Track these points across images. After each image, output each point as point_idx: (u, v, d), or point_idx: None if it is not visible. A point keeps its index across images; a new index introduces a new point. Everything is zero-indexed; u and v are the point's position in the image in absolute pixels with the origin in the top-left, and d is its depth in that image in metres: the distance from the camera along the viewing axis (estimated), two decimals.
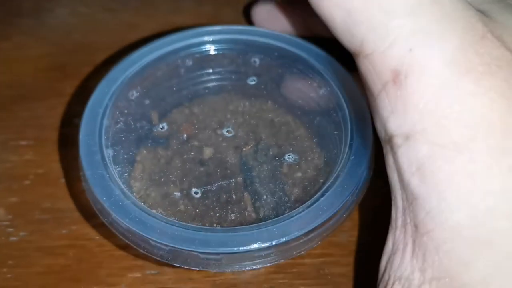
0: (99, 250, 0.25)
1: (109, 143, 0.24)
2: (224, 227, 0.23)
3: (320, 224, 0.20)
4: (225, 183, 0.24)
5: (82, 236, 0.25)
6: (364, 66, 0.19)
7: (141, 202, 0.22)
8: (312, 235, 0.20)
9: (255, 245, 0.20)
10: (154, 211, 0.21)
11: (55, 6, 0.37)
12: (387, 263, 0.20)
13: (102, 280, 0.24)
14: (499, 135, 0.17)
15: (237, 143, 0.26)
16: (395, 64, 0.18)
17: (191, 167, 0.25)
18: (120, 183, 0.22)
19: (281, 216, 0.21)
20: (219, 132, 0.26)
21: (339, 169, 0.22)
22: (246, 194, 0.24)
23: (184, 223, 0.21)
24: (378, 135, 0.20)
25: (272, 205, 0.24)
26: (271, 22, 0.29)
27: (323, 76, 0.26)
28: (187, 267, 0.20)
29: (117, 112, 0.25)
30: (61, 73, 0.33)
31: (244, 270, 0.22)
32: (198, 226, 0.21)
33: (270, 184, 0.24)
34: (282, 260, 0.21)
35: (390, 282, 0.19)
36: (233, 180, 0.25)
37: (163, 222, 0.20)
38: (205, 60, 0.28)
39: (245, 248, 0.20)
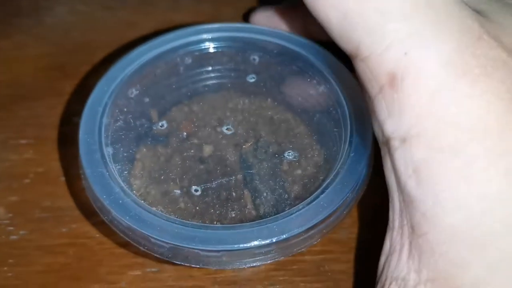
0: (99, 248, 0.25)
1: (109, 141, 0.24)
2: (224, 224, 0.23)
3: (320, 221, 0.20)
4: (225, 181, 0.24)
5: (82, 234, 0.25)
6: (361, 68, 0.19)
7: (141, 200, 0.22)
8: (312, 232, 0.20)
9: (256, 242, 0.20)
10: (154, 208, 0.21)
11: (54, 4, 0.37)
12: (384, 263, 0.20)
13: (102, 278, 0.24)
14: (495, 137, 0.17)
15: (237, 140, 0.26)
16: (392, 67, 0.17)
17: (191, 164, 0.25)
18: (120, 181, 0.22)
19: (281, 213, 0.21)
20: (218, 129, 0.26)
21: (339, 166, 0.22)
22: (246, 192, 0.24)
23: (184, 220, 0.21)
24: (376, 136, 0.20)
25: (272, 202, 0.24)
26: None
27: (323, 73, 0.26)
28: (188, 265, 0.20)
29: (117, 111, 0.25)
30: (61, 72, 0.33)
31: (244, 267, 0.22)
32: (198, 224, 0.21)
33: (270, 181, 0.24)
34: (282, 257, 0.21)
35: (387, 282, 0.19)
36: (233, 177, 0.25)
37: (163, 219, 0.20)
38: (204, 58, 0.28)
39: (245, 245, 0.20)
